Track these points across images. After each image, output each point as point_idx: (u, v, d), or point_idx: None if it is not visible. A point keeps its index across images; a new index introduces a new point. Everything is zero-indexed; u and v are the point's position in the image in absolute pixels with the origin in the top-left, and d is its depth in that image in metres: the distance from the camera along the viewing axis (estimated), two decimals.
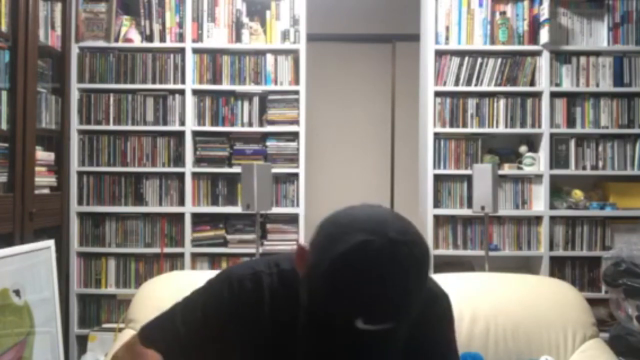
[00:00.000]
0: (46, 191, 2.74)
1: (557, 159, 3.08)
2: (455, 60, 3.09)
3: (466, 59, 3.09)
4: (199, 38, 3.12)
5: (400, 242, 0.79)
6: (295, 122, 3.11)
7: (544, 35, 2.99)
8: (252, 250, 2.96)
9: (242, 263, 1.12)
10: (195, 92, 3.14)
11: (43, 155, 2.74)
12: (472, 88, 3.09)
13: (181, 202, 3.11)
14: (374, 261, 0.77)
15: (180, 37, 3.12)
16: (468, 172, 3.02)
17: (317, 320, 0.81)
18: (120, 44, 3.12)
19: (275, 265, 1.04)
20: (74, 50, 3.08)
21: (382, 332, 0.76)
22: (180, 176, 3.12)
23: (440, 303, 1.05)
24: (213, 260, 3.12)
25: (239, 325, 1.01)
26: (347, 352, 0.78)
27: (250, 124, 3.14)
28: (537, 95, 3.09)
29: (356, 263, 0.77)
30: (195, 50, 3.12)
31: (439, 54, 3.10)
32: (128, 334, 1.72)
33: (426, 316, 0.94)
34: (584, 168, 3.09)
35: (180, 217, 3.10)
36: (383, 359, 0.79)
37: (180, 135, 3.12)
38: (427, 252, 0.83)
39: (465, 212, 3.07)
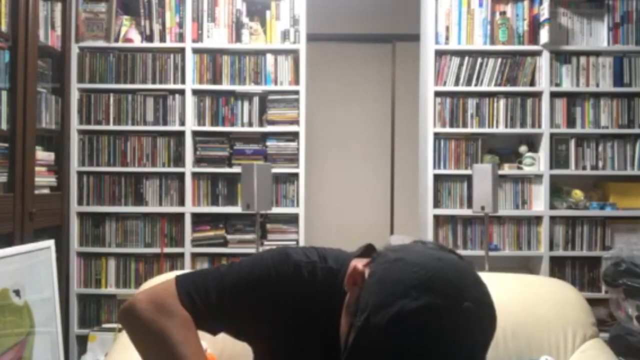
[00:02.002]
0: (46, 191, 2.74)
1: (557, 159, 3.08)
2: (455, 60, 3.09)
3: (466, 59, 3.09)
4: (199, 38, 3.12)
5: (474, 314, 0.72)
6: (295, 122, 3.11)
7: (544, 35, 3.00)
8: (252, 251, 2.96)
9: (295, 248, 1.02)
10: (195, 92, 3.14)
11: (43, 155, 2.74)
12: (472, 88, 3.09)
13: (181, 202, 3.11)
14: (440, 331, 0.70)
15: (180, 37, 3.12)
16: (468, 172, 3.02)
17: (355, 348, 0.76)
18: (120, 44, 3.12)
19: (324, 259, 0.97)
20: (74, 50, 3.08)
21: None
22: (180, 176, 3.11)
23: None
24: (213, 260, 3.12)
25: (280, 309, 0.94)
26: None
27: (250, 124, 3.14)
28: (537, 95, 3.09)
29: (419, 326, 0.70)
30: (195, 50, 3.12)
31: (439, 54, 3.10)
32: None
33: None
34: (584, 168, 3.09)
35: (180, 217, 3.10)
36: None
37: (180, 135, 3.12)
38: (495, 325, 0.77)
39: (465, 212, 3.07)
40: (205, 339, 1.61)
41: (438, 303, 0.71)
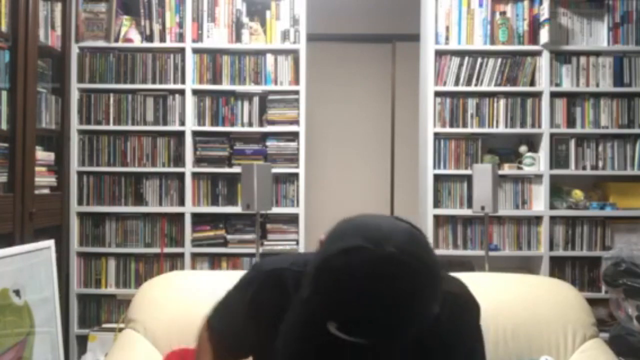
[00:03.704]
0: (46, 191, 2.74)
1: (557, 159, 3.08)
2: (455, 60, 3.09)
3: (466, 59, 3.09)
4: (199, 38, 3.12)
5: (396, 258, 0.73)
6: (295, 122, 3.11)
7: (544, 35, 3.00)
8: (252, 250, 2.96)
9: (273, 258, 1.11)
10: (195, 92, 3.14)
11: (43, 155, 2.74)
12: (472, 88, 3.09)
13: (181, 202, 3.11)
14: (361, 271, 0.73)
15: (180, 37, 3.12)
16: (468, 172, 3.02)
17: (302, 316, 0.79)
18: (120, 44, 3.12)
19: (303, 264, 0.99)
20: (74, 50, 3.08)
21: (355, 345, 0.72)
22: (180, 176, 3.11)
23: (467, 314, 0.97)
24: (213, 260, 3.12)
25: (262, 324, 0.98)
26: (311, 351, 0.75)
27: (250, 124, 3.14)
28: (537, 95, 3.09)
29: (343, 268, 0.73)
30: (195, 50, 3.12)
31: (439, 54, 3.10)
32: (128, 334, 1.72)
33: (448, 327, 0.90)
34: (584, 168, 3.09)
35: (180, 217, 3.10)
36: None
37: (180, 135, 3.12)
38: (426, 274, 0.76)
39: (465, 212, 3.07)
40: None
41: (362, 245, 0.73)
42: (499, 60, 3.08)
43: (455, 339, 0.92)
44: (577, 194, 3.06)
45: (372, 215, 0.83)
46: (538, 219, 3.08)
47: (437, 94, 3.10)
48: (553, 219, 3.06)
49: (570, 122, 3.09)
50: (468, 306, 0.98)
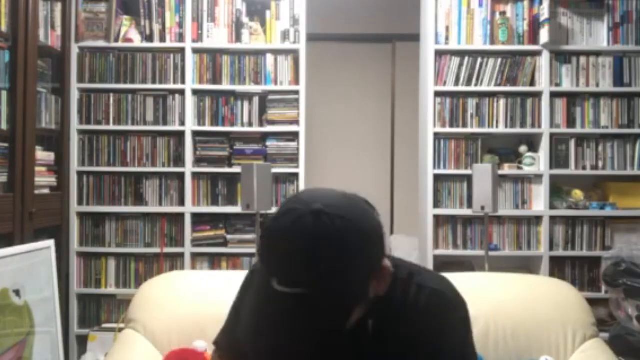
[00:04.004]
0: (46, 191, 2.74)
1: (557, 159, 3.08)
2: (455, 60, 3.09)
3: (466, 59, 3.09)
4: (199, 38, 3.12)
5: (322, 213, 0.80)
6: (295, 122, 3.11)
7: (544, 35, 2.99)
8: (252, 250, 2.97)
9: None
10: (195, 92, 3.14)
11: (43, 155, 2.74)
12: (472, 88, 3.09)
13: (181, 202, 3.11)
14: (289, 227, 0.81)
15: (180, 37, 3.12)
16: (468, 172, 3.02)
17: (257, 283, 0.88)
18: (120, 44, 3.12)
19: None
20: (74, 50, 3.08)
21: (295, 295, 0.79)
22: (180, 176, 3.11)
23: (452, 311, 0.98)
24: (213, 260, 3.12)
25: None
26: (267, 309, 0.83)
27: (250, 124, 3.14)
28: (537, 95, 3.09)
29: (276, 228, 0.83)
30: (195, 50, 3.12)
31: (439, 54, 3.10)
32: (128, 334, 1.72)
33: (434, 324, 0.94)
34: (584, 168, 3.09)
35: (180, 217, 3.10)
36: (297, 322, 0.80)
37: (180, 135, 3.11)
38: (354, 228, 0.82)
39: (465, 212, 3.06)
40: (205, 339, 1.61)
41: (293, 207, 0.83)
42: (499, 60, 3.08)
43: (431, 332, 0.94)
44: (577, 194, 3.06)
45: (318, 188, 0.91)
46: (538, 219, 3.08)
47: (437, 94, 3.10)
48: (553, 219, 3.06)
49: (570, 122, 3.09)
50: (446, 301, 0.99)
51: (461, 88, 3.09)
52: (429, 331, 0.94)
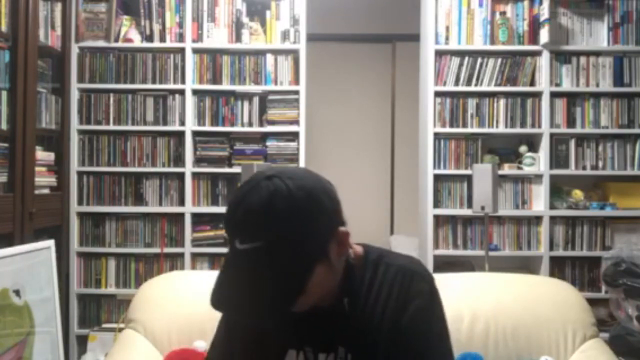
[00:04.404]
0: (46, 191, 2.74)
1: (557, 159, 3.08)
2: (455, 60, 3.09)
3: (466, 59, 3.09)
4: (199, 38, 3.12)
5: (274, 177, 0.89)
6: (295, 122, 3.11)
7: (544, 35, 3.00)
8: None
9: None
10: (195, 92, 3.14)
11: (43, 155, 2.74)
12: (472, 88, 3.09)
13: (181, 202, 3.11)
14: (246, 192, 0.89)
15: (180, 37, 3.12)
16: (468, 172, 3.02)
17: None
18: (120, 44, 3.12)
19: None
20: (74, 50, 3.08)
21: (254, 249, 0.86)
22: (180, 176, 3.11)
23: (415, 283, 1.03)
24: (213, 260, 3.12)
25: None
26: (232, 271, 0.91)
27: (250, 124, 3.14)
28: (537, 95, 3.09)
29: (236, 195, 0.91)
30: (195, 50, 3.12)
31: (439, 54, 3.10)
32: (128, 334, 1.72)
33: (399, 298, 1.00)
34: (584, 168, 3.09)
35: (180, 217, 3.10)
36: (258, 277, 0.86)
37: (180, 135, 3.12)
38: (304, 186, 0.89)
39: (465, 212, 3.06)
40: (205, 339, 1.61)
41: (252, 178, 0.92)
42: (499, 60, 3.08)
43: (398, 305, 1.00)
44: (577, 194, 3.06)
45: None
46: (538, 219, 3.08)
47: (437, 94, 3.10)
48: (553, 219, 3.06)
49: (570, 122, 3.09)
50: (411, 274, 1.04)
51: (461, 88, 3.09)
52: (397, 304, 1.00)
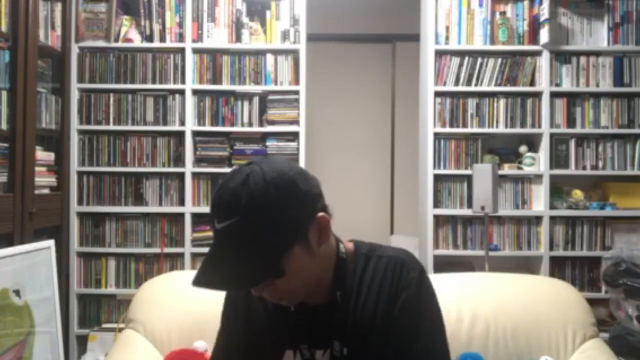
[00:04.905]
0: (46, 191, 2.74)
1: (557, 159, 3.08)
2: (455, 60, 3.09)
3: (466, 59, 3.09)
4: (199, 38, 3.12)
5: (253, 164, 0.95)
6: (295, 122, 3.11)
7: (544, 35, 3.00)
8: None
9: None
10: (195, 92, 3.14)
11: (43, 155, 2.74)
12: (472, 88, 3.09)
13: (181, 202, 3.11)
14: (227, 179, 0.95)
15: (180, 37, 3.12)
16: (468, 172, 3.02)
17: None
18: (120, 44, 3.12)
19: None
20: (74, 50, 3.08)
21: (229, 226, 0.91)
22: (180, 176, 3.11)
23: (405, 272, 1.05)
24: None
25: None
26: (211, 249, 0.95)
27: (250, 124, 3.14)
28: (537, 95, 3.09)
29: (219, 185, 0.96)
30: (195, 50, 3.12)
31: (439, 54, 3.10)
32: (128, 334, 1.72)
33: (391, 288, 1.02)
34: (584, 168, 3.09)
35: (180, 217, 3.10)
36: (234, 252, 0.91)
37: (180, 135, 3.11)
38: (281, 170, 0.94)
39: (465, 212, 3.06)
40: (205, 339, 1.61)
41: (236, 169, 0.97)
42: (499, 60, 3.08)
43: (391, 295, 1.02)
44: (577, 194, 3.06)
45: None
46: (538, 219, 3.08)
47: (437, 94, 3.10)
48: (553, 219, 3.06)
49: (570, 122, 3.09)
50: (402, 263, 1.06)
51: (461, 88, 3.09)
52: (389, 295, 1.02)
